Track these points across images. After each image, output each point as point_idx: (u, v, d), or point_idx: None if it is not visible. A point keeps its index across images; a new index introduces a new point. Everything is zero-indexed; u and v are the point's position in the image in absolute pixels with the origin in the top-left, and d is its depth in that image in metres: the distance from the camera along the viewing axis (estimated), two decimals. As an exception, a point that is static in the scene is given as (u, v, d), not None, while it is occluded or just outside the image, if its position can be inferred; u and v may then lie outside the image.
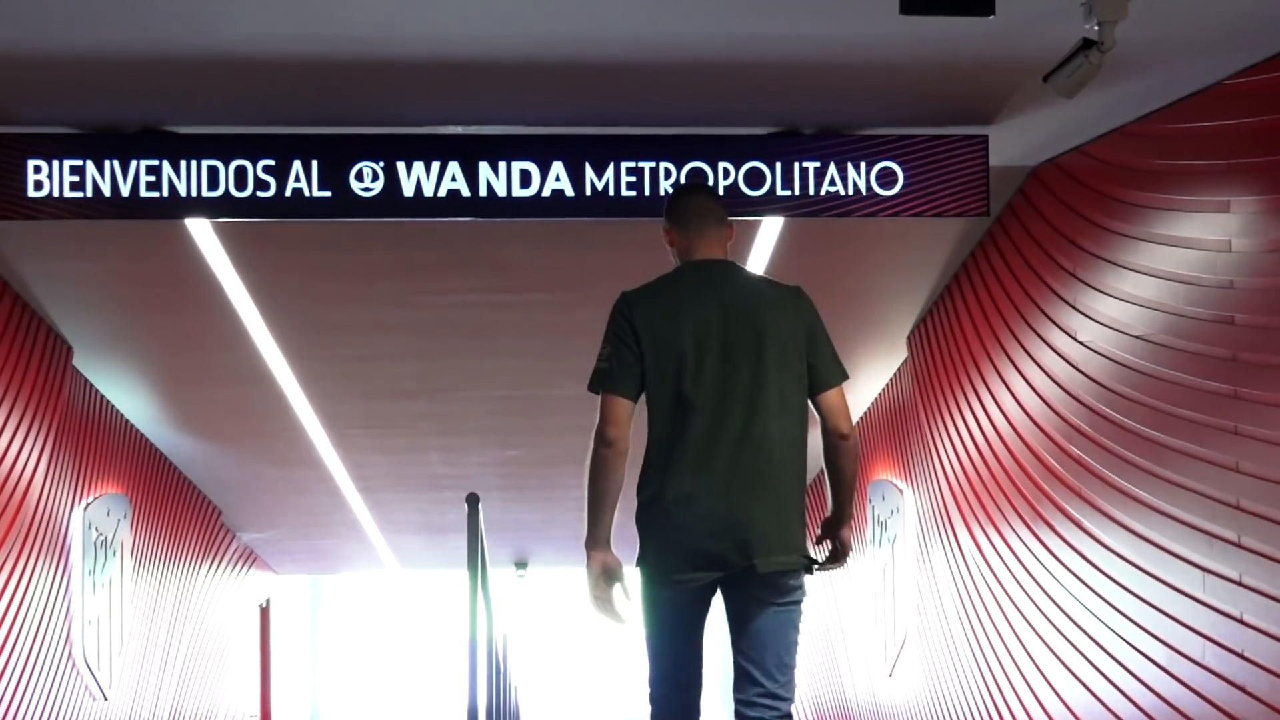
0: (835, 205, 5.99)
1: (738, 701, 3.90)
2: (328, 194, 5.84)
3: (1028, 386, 7.27)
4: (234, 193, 5.82)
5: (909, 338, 9.27)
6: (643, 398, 3.89)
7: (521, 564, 18.01)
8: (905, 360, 9.56)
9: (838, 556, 4.04)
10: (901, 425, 9.87)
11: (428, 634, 23.81)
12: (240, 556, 14.75)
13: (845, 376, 3.97)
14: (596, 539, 3.85)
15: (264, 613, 16.45)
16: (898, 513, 10.05)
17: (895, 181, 5.99)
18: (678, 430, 3.82)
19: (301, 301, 8.29)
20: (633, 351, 3.86)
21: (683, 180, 5.92)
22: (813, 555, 3.92)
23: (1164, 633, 5.87)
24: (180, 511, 11.92)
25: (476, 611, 5.37)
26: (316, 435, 11.16)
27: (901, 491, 9.88)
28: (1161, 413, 5.89)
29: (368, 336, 8.93)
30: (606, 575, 3.84)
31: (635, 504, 3.89)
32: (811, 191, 5.96)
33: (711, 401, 3.82)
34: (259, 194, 5.83)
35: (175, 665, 11.78)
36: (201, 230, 7.11)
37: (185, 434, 10.90)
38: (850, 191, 5.97)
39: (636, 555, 3.92)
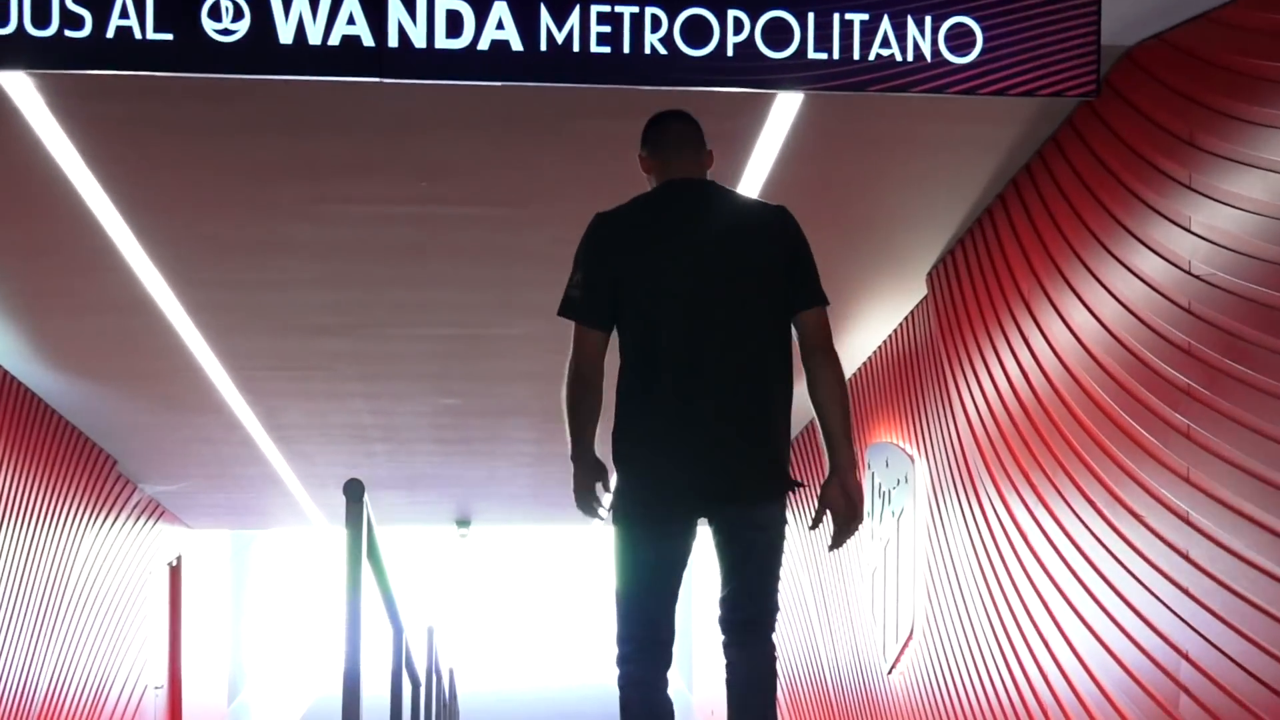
0: (887, 76, 4.28)
1: (728, 610, 3.84)
2: (168, 36, 4.06)
3: (1100, 328, 5.67)
4: (31, 30, 4.01)
5: (930, 273, 7.67)
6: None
7: (464, 522, 16.47)
8: (922, 300, 7.97)
9: (846, 517, 3.87)
10: (914, 379, 8.27)
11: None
12: (143, 510, 13.11)
13: (825, 301, 3.86)
14: (579, 451, 3.76)
15: (174, 571, 14.85)
16: (905, 482, 8.49)
17: (972, 45, 4.30)
18: (655, 359, 3.70)
19: (175, 210, 6.55)
20: (605, 277, 3.72)
21: (676, 34, 4.23)
22: (796, 479, 3.87)
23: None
24: (61, 461, 10.28)
25: (359, 623, 3.89)
26: (217, 376, 9.48)
27: (912, 459, 8.30)
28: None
29: (267, 258, 7.23)
30: (592, 472, 3.76)
31: (611, 435, 3.76)
32: (856, 55, 4.25)
33: (690, 328, 3.70)
34: (68, 33, 4.04)
35: (58, 635, 10.19)
36: (36, 110, 5.41)
37: (62, 372, 9.23)
38: (910, 57, 4.27)
39: (611, 495, 3.77)
